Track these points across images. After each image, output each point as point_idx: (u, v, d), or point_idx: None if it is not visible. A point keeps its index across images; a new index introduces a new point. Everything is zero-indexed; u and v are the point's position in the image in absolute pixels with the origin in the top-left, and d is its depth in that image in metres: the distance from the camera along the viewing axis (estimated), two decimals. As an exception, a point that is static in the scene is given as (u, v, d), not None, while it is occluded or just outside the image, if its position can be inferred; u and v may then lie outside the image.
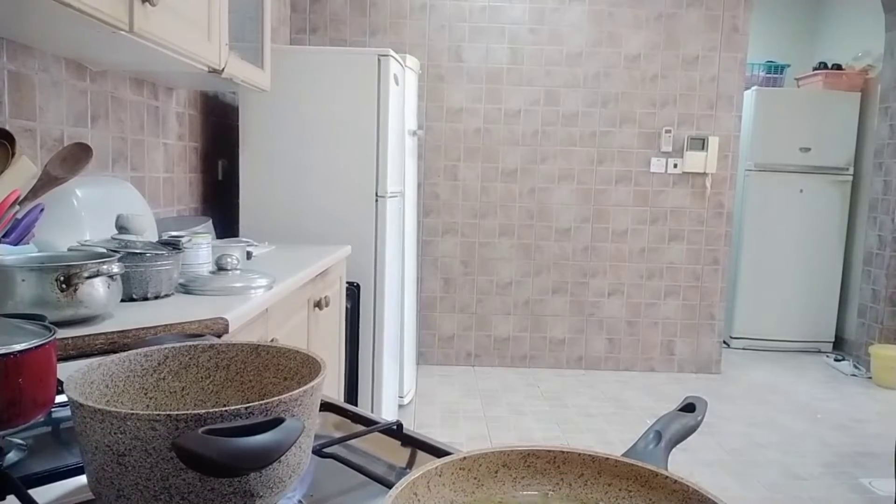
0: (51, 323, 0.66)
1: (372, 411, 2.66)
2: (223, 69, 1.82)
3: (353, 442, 0.70)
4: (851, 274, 5.01)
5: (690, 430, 0.59)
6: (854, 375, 4.44)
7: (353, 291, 2.74)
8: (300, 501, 0.57)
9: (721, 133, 4.24)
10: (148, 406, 0.57)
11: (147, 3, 1.31)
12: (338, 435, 0.71)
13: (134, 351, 0.58)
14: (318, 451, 0.64)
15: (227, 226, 2.81)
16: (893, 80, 4.38)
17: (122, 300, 1.27)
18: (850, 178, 4.95)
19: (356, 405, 2.36)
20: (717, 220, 4.31)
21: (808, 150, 4.90)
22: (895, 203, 4.34)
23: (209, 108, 2.78)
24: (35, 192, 1.30)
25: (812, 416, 3.68)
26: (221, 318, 1.20)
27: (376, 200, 2.77)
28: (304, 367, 0.58)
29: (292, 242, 2.60)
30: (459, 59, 4.16)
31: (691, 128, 4.23)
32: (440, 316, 4.33)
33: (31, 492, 0.53)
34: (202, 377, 0.60)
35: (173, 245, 1.45)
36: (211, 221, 2.31)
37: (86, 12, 1.14)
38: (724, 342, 5.04)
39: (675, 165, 4.25)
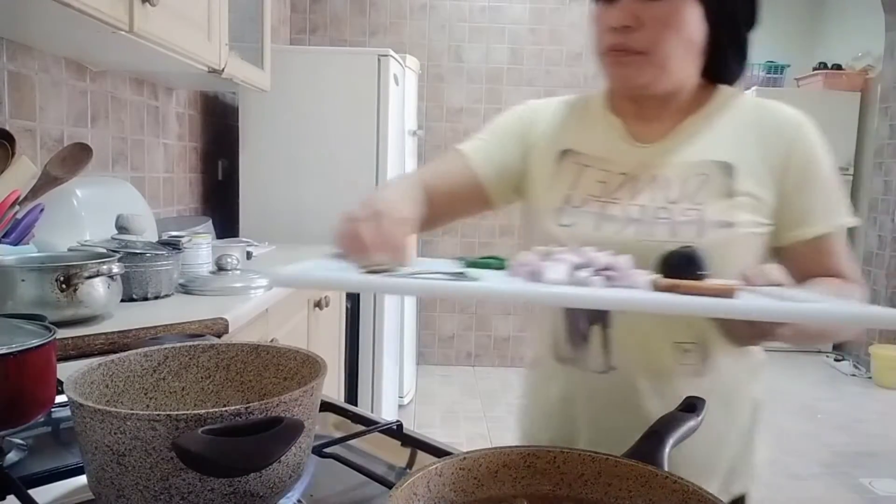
0: (51, 323, 0.66)
1: (372, 411, 2.66)
2: (223, 69, 1.82)
3: (353, 442, 0.70)
4: (851, 274, 5.00)
5: (690, 431, 0.59)
6: (854, 375, 4.44)
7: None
8: (300, 501, 0.57)
9: (721, 133, 4.23)
10: (148, 406, 0.58)
11: (147, 3, 1.31)
12: (338, 435, 0.71)
13: (134, 351, 0.58)
14: (318, 451, 0.64)
15: (227, 226, 2.81)
16: (893, 80, 4.38)
17: (122, 300, 1.27)
18: (850, 177, 4.94)
19: (356, 405, 2.35)
20: (717, 220, 4.30)
21: (808, 150, 4.89)
22: (895, 203, 4.34)
23: (209, 108, 2.78)
24: (35, 192, 1.30)
25: (812, 416, 3.68)
26: (221, 318, 1.20)
27: (376, 200, 2.77)
28: (304, 367, 0.58)
29: (292, 242, 2.59)
30: (459, 59, 4.16)
31: (691, 128, 4.23)
32: (440, 316, 4.33)
33: (31, 492, 0.53)
34: (202, 377, 0.60)
35: (173, 245, 1.45)
36: (211, 221, 2.31)
37: (86, 12, 1.14)
38: (724, 342, 5.03)
39: (675, 165, 4.24)
